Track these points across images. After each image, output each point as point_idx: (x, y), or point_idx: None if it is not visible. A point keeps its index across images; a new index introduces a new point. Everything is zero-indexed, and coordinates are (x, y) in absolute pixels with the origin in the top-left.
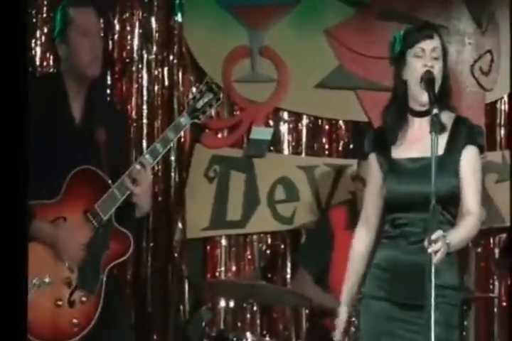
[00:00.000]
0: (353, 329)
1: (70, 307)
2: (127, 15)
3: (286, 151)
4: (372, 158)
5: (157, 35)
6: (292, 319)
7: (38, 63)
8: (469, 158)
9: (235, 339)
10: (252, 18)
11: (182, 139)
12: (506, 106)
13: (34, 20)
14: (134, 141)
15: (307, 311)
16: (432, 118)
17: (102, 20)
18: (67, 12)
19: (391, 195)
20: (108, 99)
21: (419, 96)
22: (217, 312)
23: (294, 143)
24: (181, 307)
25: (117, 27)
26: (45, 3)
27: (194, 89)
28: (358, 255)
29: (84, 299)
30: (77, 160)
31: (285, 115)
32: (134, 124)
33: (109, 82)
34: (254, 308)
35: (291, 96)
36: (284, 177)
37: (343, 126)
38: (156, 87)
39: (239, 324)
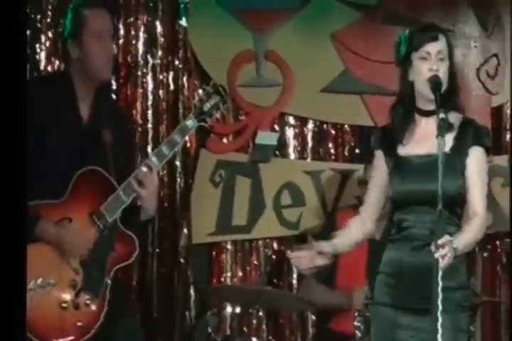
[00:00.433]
0: (358, 334)
1: (75, 309)
2: (132, 19)
3: (292, 156)
4: (379, 154)
5: (162, 39)
6: (298, 324)
7: (42, 68)
8: (475, 158)
9: None
10: (257, 22)
11: (187, 144)
12: None
13: (39, 25)
14: (140, 146)
15: (313, 317)
16: (438, 123)
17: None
18: (79, 12)
19: (396, 192)
20: (114, 102)
21: (428, 96)
22: (223, 318)
23: (299, 148)
24: (187, 312)
25: (122, 31)
26: (50, 7)
27: (200, 91)
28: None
29: (88, 302)
30: (84, 161)
31: (291, 120)
32: (139, 129)
33: (114, 87)
34: (260, 314)
35: (297, 100)
36: (289, 182)
37: (349, 131)
38: (161, 92)
39: (245, 329)
